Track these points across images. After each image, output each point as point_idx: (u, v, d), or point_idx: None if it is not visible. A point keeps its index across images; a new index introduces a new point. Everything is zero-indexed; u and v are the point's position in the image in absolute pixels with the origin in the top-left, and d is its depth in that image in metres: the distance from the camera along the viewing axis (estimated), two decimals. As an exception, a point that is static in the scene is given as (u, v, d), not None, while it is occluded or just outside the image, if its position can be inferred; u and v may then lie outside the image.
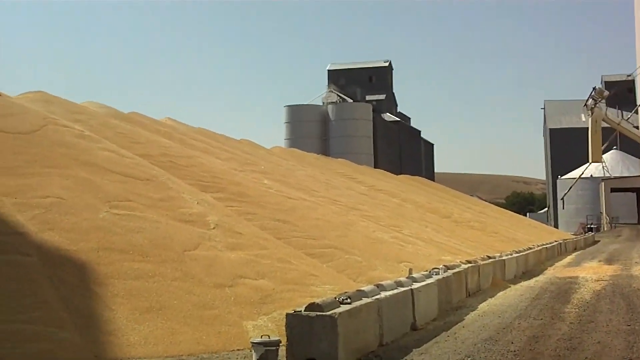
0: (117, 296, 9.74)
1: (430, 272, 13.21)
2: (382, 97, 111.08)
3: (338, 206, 20.20)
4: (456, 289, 14.15)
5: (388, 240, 17.23)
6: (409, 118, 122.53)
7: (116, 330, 9.01)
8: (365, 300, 9.01)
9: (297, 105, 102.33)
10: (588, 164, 72.76)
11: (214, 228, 12.78)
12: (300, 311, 8.03)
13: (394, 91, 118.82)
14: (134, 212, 12.32)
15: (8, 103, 16.32)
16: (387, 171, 57.91)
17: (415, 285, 11.17)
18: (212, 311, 9.89)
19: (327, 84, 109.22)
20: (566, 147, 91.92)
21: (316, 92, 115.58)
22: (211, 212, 13.52)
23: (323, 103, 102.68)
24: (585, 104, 71.14)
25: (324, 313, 7.90)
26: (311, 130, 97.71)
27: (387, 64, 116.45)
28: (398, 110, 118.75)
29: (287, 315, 8.05)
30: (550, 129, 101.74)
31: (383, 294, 9.79)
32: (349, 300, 8.66)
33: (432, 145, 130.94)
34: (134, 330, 9.10)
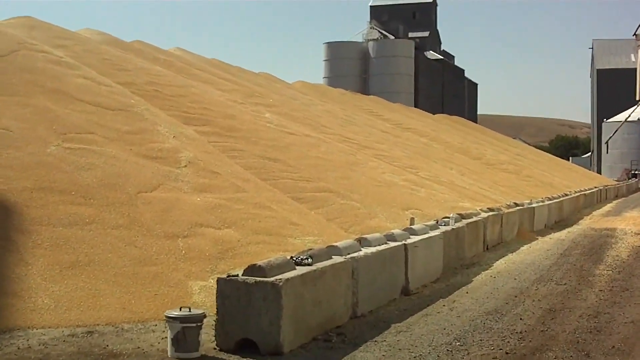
0: (39, 247, 8.00)
1: (437, 222, 11.31)
2: (426, 34, 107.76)
3: (348, 144, 18.23)
4: (471, 242, 12.24)
5: (398, 183, 15.27)
6: (453, 57, 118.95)
7: (23, 291, 7.29)
8: (333, 260, 7.14)
9: (336, 42, 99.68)
10: (636, 105, 69.19)
11: (185, 166, 10.98)
12: (237, 276, 6.19)
13: (437, 28, 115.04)
14: (90, 147, 10.56)
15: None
16: (428, 111, 55.54)
17: (412, 240, 9.28)
18: (153, 267, 8.13)
19: (368, 20, 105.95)
20: (614, 89, 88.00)
21: (357, 29, 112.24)
22: (187, 148, 11.70)
23: (364, 40, 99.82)
24: (635, 34, 67.04)
25: (265, 279, 6.04)
26: (351, 68, 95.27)
27: (431, 0, 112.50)
28: (442, 49, 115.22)
29: (219, 280, 6.21)
30: (597, 69, 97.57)
31: (364, 251, 7.92)
32: (309, 260, 6.80)
33: (476, 85, 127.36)
34: (46, 291, 7.37)
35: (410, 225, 10.47)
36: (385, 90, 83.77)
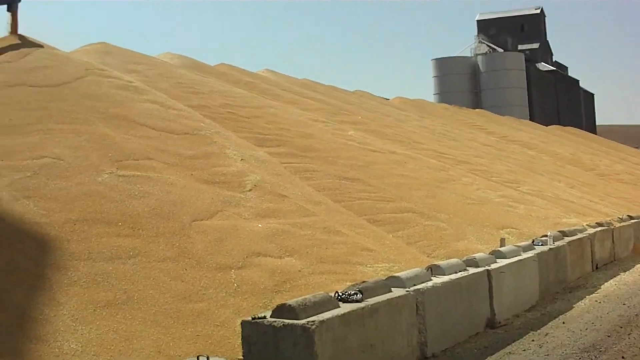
0: (74, 284, 7.23)
1: (533, 241, 10.05)
2: (536, 46, 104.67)
3: (442, 160, 17.03)
4: (574, 262, 10.89)
5: (493, 200, 13.98)
6: (566, 67, 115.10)
7: (49, 334, 6.50)
8: (390, 295, 6.07)
9: (445, 57, 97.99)
10: None
11: (249, 190, 10.12)
12: (264, 318, 5.21)
13: (548, 40, 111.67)
14: (146, 173, 9.83)
15: (48, 55, 14.21)
16: (542, 124, 53.33)
17: (498, 264, 8.10)
18: (199, 304, 7.24)
19: (476, 34, 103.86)
20: None
21: (464, 44, 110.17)
22: (255, 171, 10.85)
23: (472, 54, 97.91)
24: None
25: (296, 321, 5.04)
26: (461, 84, 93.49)
27: (538, 11, 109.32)
28: (554, 60, 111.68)
29: (243, 324, 5.25)
30: None
31: (433, 281, 6.81)
32: (358, 295, 5.76)
33: (592, 95, 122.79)
34: (75, 333, 6.57)
35: (500, 246, 9.27)
36: (498, 105, 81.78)
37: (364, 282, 6.32)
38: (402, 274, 6.65)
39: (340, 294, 5.78)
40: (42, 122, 11.01)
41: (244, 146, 12.22)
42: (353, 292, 5.81)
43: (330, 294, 5.74)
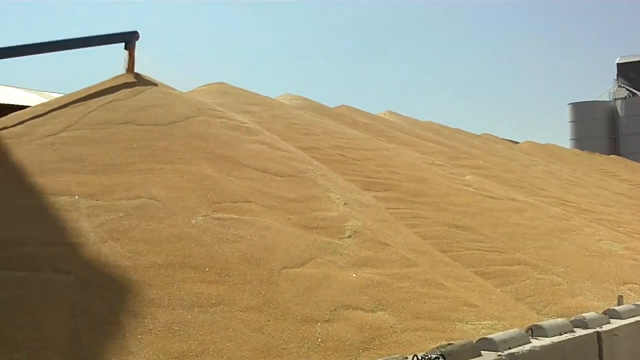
0: (149, 333, 6.89)
1: (660, 301, 9.07)
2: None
3: (564, 208, 16.02)
4: None
5: (617, 252, 12.92)
6: None
7: (115, 386, 6.16)
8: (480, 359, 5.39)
9: (582, 102, 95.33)
10: None
11: (349, 237, 9.61)
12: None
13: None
14: (243, 217, 9.48)
15: (161, 94, 14.23)
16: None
17: (610, 326, 7.24)
18: (277, 359, 6.73)
19: (615, 78, 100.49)
20: None
21: (602, 88, 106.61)
22: (357, 216, 10.34)
23: (611, 99, 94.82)
24: None
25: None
26: (598, 129, 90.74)
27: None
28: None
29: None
30: None
31: (532, 344, 6.07)
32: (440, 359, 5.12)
33: None
34: (142, 386, 6.19)
35: (618, 304, 8.37)
36: (637, 151, 78.63)
37: (449, 344, 5.66)
38: (495, 336, 5.95)
39: (419, 358, 5.15)
40: (145, 161, 10.89)
41: (349, 190, 11.74)
42: (435, 356, 5.18)
43: (407, 357, 5.13)
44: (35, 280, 7.46)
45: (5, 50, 14.39)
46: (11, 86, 23.79)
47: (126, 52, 15.14)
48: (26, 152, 10.99)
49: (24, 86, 24.82)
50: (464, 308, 8.42)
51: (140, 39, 15.21)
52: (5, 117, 12.80)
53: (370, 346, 7.18)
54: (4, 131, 11.97)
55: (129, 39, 14.98)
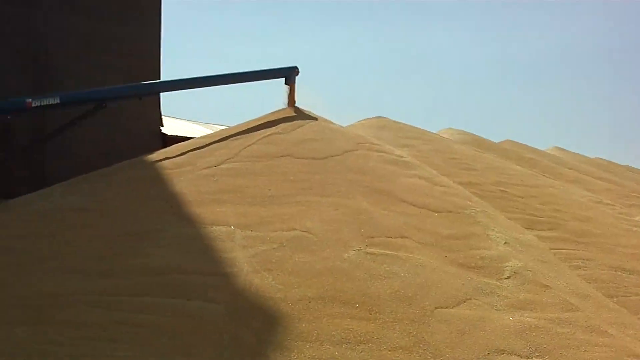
0: (295, 369, 6.76)
1: None
2: None
3: None
4: None
5: None
6: None
7: None
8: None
9: None
10: None
11: (507, 278, 9.17)
12: None
13: None
14: (397, 252, 9.24)
15: (321, 127, 14.28)
16: None
17: None
18: (423, 406, 6.43)
19: None
20: None
21: None
22: (518, 256, 9.87)
23: None
24: None
25: None
26: None
27: None
28: None
29: None
30: None
31: None
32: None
33: None
34: None
35: None
36: None
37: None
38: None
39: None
40: (302, 194, 10.88)
41: (510, 228, 11.26)
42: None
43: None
44: (186, 308, 7.52)
45: (173, 84, 14.89)
46: (177, 118, 24.69)
47: (287, 87, 15.37)
48: (187, 182, 11.24)
49: (190, 118, 25.68)
50: (629, 359, 7.80)
51: (299, 74, 15.40)
52: (169, 148, 13.20)
53: (529, 397, 6.74)
54: (167, 161, 12.33)
55: (289, 74, 15.22)
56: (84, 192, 11.40)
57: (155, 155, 12.92)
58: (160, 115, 20.40)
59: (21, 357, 6.42)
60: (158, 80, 13.58)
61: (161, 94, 17.90)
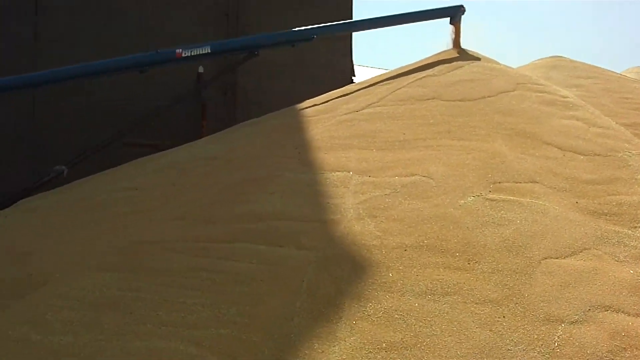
0: (365, 319, 6.44)
1: None
2: None
3: None
4: None
5: None
6: None
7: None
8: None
9: None
10: None
11: (643, 226, 8.24)
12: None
13: None
14: (521, 198, 8.56)
15: (480, 68, 13.55)
16: None
17: None
18: (497, 365, 5.90)
19: None
20: None
21: None
22: (666, 202, 8.85)
23: None
24: None
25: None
26: None
27: None
28: None
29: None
30: None
31: None
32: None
33: None
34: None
35: None
36: None
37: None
38: None
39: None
40: (436, 137, 10.37)
41: (668, 172, 10.11)
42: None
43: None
44: (274, 255, 7.38)
45: (333, 28, 14.72)
46: (366, 66, 24.51)
47: (451, 27, 14.78)
48: (322, 128, 11.06)
49: (375, 65, 25.44)
50: None
51: (465, 12, 14.75)
52: (318, 98, 13.07)
53: (617, 357, 6.01)
54: (310, 109, 12.22)
55: (454, 14, 14.62)
56: (224, 141, 11.56)
57: (302, 104, 12.86)
58: (352, 64, 20.35)
59: (100, 302, 6.58)
60: (315, 26, 13.41)
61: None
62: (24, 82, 10.98)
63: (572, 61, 17.10)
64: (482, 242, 7.58)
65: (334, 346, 6.05)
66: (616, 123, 11.72)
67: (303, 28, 13.48)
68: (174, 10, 17.31)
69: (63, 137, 15.59)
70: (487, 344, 6.08)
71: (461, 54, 14.26)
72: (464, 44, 14.52)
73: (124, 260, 7.35)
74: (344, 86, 14.09)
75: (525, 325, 6.33)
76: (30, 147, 15.49)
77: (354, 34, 19.36)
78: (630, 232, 8.04)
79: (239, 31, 18.14)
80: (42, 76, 11.26)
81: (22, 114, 15.20)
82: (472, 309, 6.56)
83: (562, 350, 6.03)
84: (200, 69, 17.44)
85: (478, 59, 14.08)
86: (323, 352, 5.97)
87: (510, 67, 14.55)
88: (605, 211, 8.48)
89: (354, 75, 20.32)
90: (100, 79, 13.55)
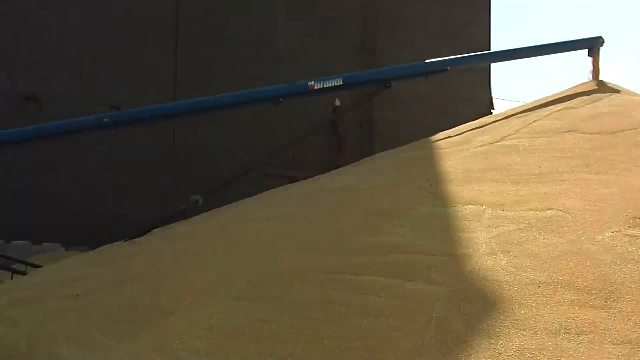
0: (496, 357, 6.29)
1: None
2: None
3: None
4: None
5: None
6: None
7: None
8: None
9: None
10: None
11: None
12: None
13: None
14: (663, 235, 8.18)
15: (620, 101, 13.12)
16: None
17: None
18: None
19: None
20: None
21: None
22: None
23: None
24: None
25: None
26: None
27: None
28: None
29: None
30: None
31: None
32: None
33: None
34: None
35: None
36: None
37: None
38: None
39: None
40: (573, 171, 10.09)
41: None
42: None
43: None
44: (403, 289, 7.34)
45: (470, 59, 14.65)
46: (505, 99, 24.19)
47: (590, 59, 14.42)
48: (456, 160, 10.97)
49: (513, 98, 25.05)
50: None
51: (604, 44, 14.37)
52: (451, 130, 12.97)
53: None
54: (443, 141, 12.14)
55: (592, 45, 14.27)
56: (355, 173, 11.64)
57: (435, 136, 12.80)
58: (491, 97, 20.19)
59: (227, 332, 6.72)
60: (451, 57, 13.39)
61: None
62: (160, 113, 11.38)
63: None
64: (620, 280, 7.28)
65: (462, 383, 5.93)
66: None
67: (435, 60, 13.44)
68: (319, 42, 17.69)
69: (200, 167, 16.11)
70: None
71: (600, 86, 13.85)
72: (602, 76, 14.13)
73: (253, 290, 7.49)
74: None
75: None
76: (171, 176, 16.08)
77: (492, 66, 19.19)
78: None
79: (374, 63, 18.34)
80: (177, 107, 11.70)
81: (163, 144, 15.84)
82: (610, 349, 6.30)
83: None
84: (337, 102, 17.66)
85: (618, 91, 13.65)
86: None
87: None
88: None
89: (493, 108, 20.10)
90: (236, 110, 13.91)
